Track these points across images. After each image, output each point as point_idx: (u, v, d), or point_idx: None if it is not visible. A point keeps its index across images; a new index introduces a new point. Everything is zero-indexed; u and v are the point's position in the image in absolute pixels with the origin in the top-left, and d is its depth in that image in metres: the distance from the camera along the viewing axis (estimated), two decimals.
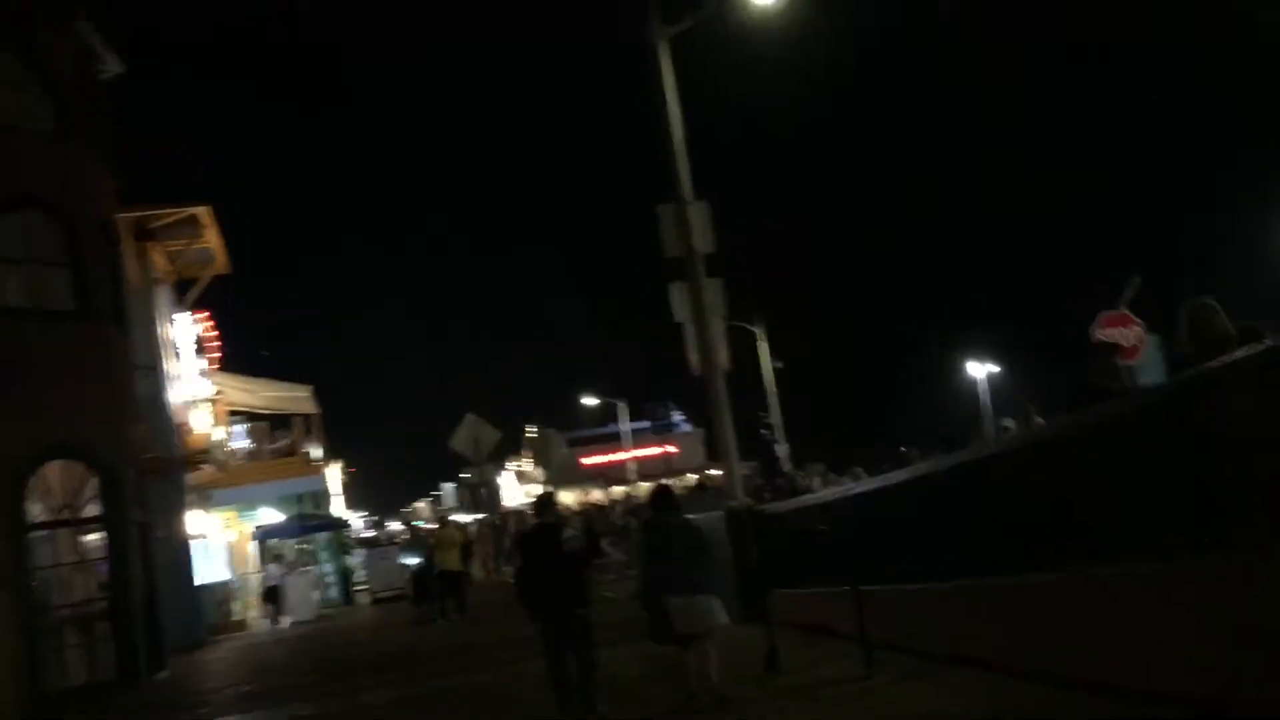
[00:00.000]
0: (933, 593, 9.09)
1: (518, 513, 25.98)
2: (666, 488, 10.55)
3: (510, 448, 63.41)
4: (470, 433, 23.83)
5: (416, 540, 22.77)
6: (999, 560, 8.14)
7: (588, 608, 9.19)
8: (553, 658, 9.11)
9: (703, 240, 14.20)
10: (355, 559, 35.99)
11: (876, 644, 9.16)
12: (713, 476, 28.03)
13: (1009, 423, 13.57)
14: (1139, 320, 18.10)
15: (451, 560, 21.42)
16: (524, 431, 66.26)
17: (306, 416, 35.58)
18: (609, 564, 21.68)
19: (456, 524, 25.82)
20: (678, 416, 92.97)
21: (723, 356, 14.10)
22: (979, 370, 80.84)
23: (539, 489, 74.44)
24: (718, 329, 14.14)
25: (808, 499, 12.20)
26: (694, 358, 14.11)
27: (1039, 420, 9.89)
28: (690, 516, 13.69)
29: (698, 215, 14.24)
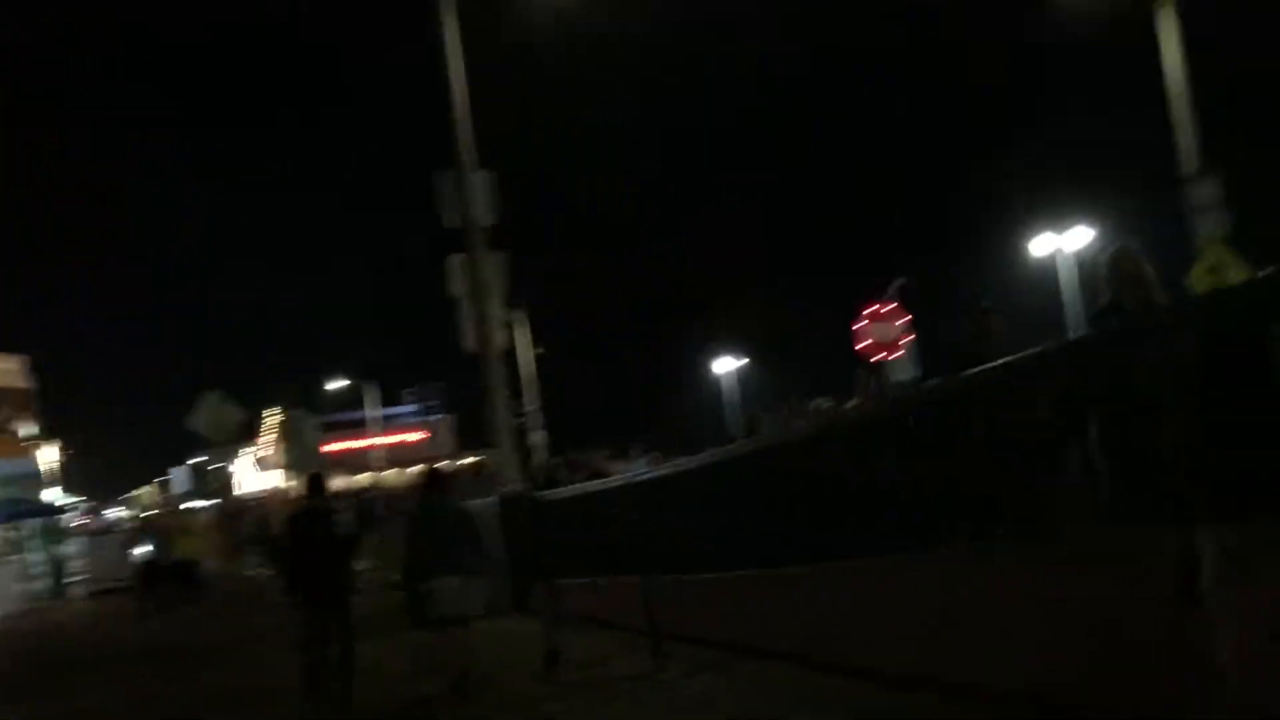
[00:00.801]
0: (720, 582, 8.81)
1: (259, 500, 24.29)
2: (438, 470, 10.30)
3: (246, 432, 60.16)
4: (211, 412, 21.99)
5: (148, 528, 20.82)
6: (788, 550, 8.01)
7: (353, 595, 8.92)
8: (312, 650, 8.70)
9: (484, 211, 13.47)
10: (70, 548, 32.85)
11: (665, 636, 8.77)
12: (484, 460, 27.19)
13: (824, 401, 13.53)
14: (905, 312, 18.69)
15: (186, 549, 19.74)
16: (263, 414, 63.07)
17: (17, 391, 32.23)
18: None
19: (192, 511, 23.95)
20: (424, 404, 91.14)
21: (499, 336, 13.43)
22: (728, 365, 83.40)
23: (277, 475, 71.29)
24: (496, 307, 13.45)
25: (590, 485, 11.73)
26: (470, 335, 13.38)
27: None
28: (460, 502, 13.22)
29: (480, 185, 13.50)
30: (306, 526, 9.10)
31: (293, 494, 31.48)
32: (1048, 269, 41.80)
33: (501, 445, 13.39)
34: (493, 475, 15.95)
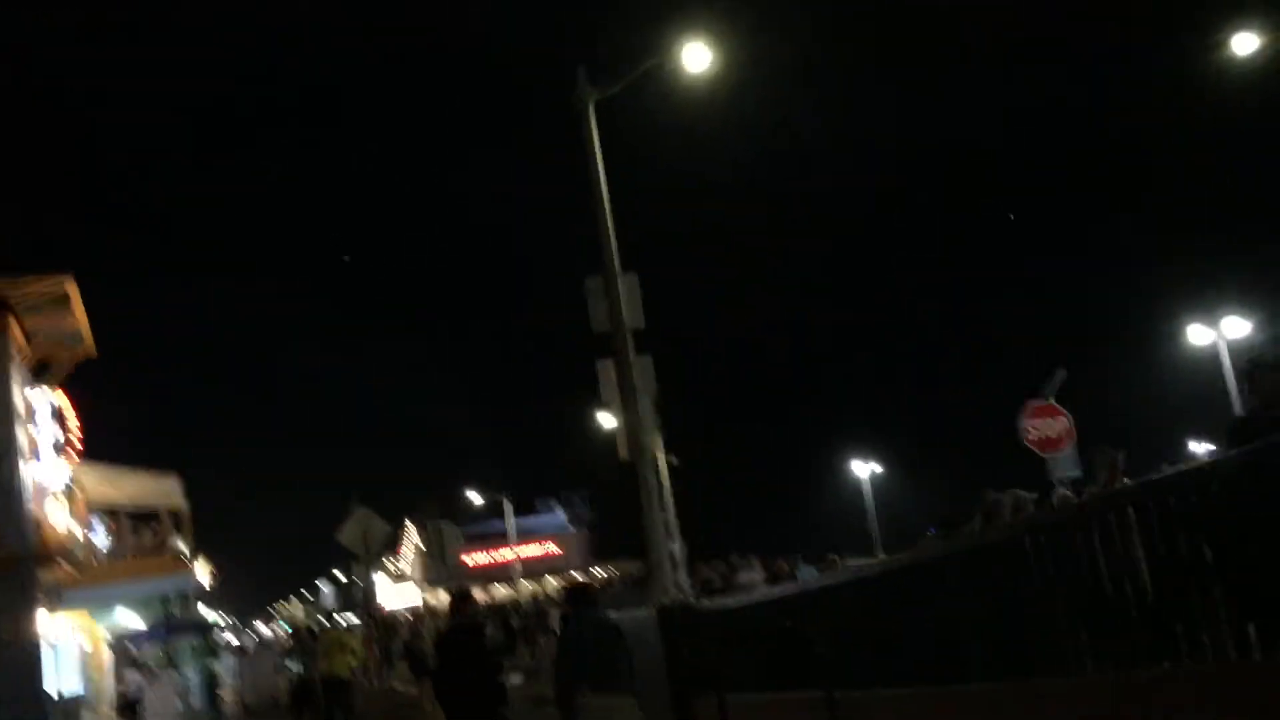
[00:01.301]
0: (934, 696, 8.13)
1: (408, 615, 24.21)
2: (585, 584, 10.24)
3: (390, 545, 61.00)
4: (359, 526, 22.21)
5: (299, 643, 20.84)
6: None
7: (507, 707, 8.93)
8: None
9: (631, 314, 13.29)
10: (223, 663, 33.35)
11: None
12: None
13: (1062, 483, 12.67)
14: (1065, 412, 17.84)
15: (340, 666, 19.60)
16: (402, 528, 63.89)
17: (174, 511, 33.17)
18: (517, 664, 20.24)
19: (344, 627, 23.97)
20: (560, 515, 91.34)
21: (654, 439, 13.09)
22: (863, 470, 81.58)
23: (414, 589, 71.75)
24: (647, 409, 13.14)
25: (758, 593, 11.22)
26: (622, 441, 13.07)
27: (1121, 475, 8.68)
28: (613, 614, 12.87)
29: (626, 287, 13.34)
30: (457, 643, 9.09)
31: (436, 608, 31.54)
32: (1208, 358, 39.97)
33: (659, 556, 12.92)
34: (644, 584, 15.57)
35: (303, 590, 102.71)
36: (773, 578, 11.45)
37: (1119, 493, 6.53)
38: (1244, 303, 39.61)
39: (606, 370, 13.15)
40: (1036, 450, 17.30)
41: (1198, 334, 40.27)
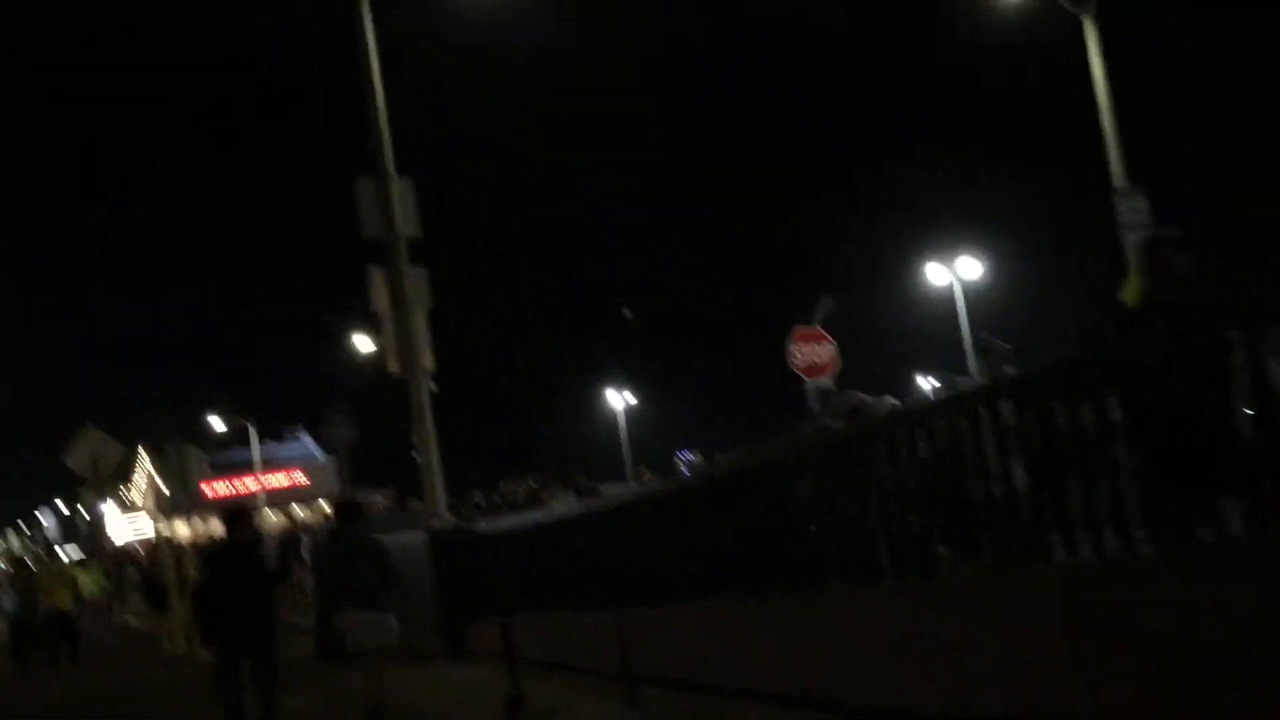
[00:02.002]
0: (704, 614, 7.96)
1: (140, 546, 22.47)
2: (354, 500, 10.12)
3: (122, 471, 57.03)
4: (88, 447, 20.26)
5: (19, 578, 18.91)
6: (783, 575, 7.26)
7: (278, 637, 8.31)
8: (231, 695, 8.06)
9: (406, 221, 12.44)
10: None
11: (638, 679, 7.81)
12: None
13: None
14: (830, 338, 18.23)
15: (61, 599, 17.95)
16: (135, 454, 59.95)
17: None
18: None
19: (67, 561, 22.08)
20: (308, 443, 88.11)
21: (426, 354, 12.37)
22: (618, 400, 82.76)
23: (146, 520, 67.82)
24: (420, 323, 12.40)
25: (532, 517, 10.81)
26: (392, 355, 12.31)
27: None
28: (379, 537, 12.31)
29: (401, 193, 12.47)
30: (229, 563, 8.37)
31: (176, 539, 29.54)
32: (944, 298, 42.35)
33: (429, 475, 12.29)
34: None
35: (19, 522, 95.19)
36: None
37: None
38: (979, 244, 42.13)
39: (377, 279, 12.29)
40: (803, 375, 17.58)
41: (935, 273, 42.57)
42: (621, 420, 77.08)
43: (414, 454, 39.98)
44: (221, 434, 61.29)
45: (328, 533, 9.83)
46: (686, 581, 8.23)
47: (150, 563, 20.56)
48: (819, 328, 18.17)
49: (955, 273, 40.82)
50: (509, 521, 11.07)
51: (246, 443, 67.35)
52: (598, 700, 8.05)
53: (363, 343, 45.30)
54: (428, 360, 12.35)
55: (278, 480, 67.54)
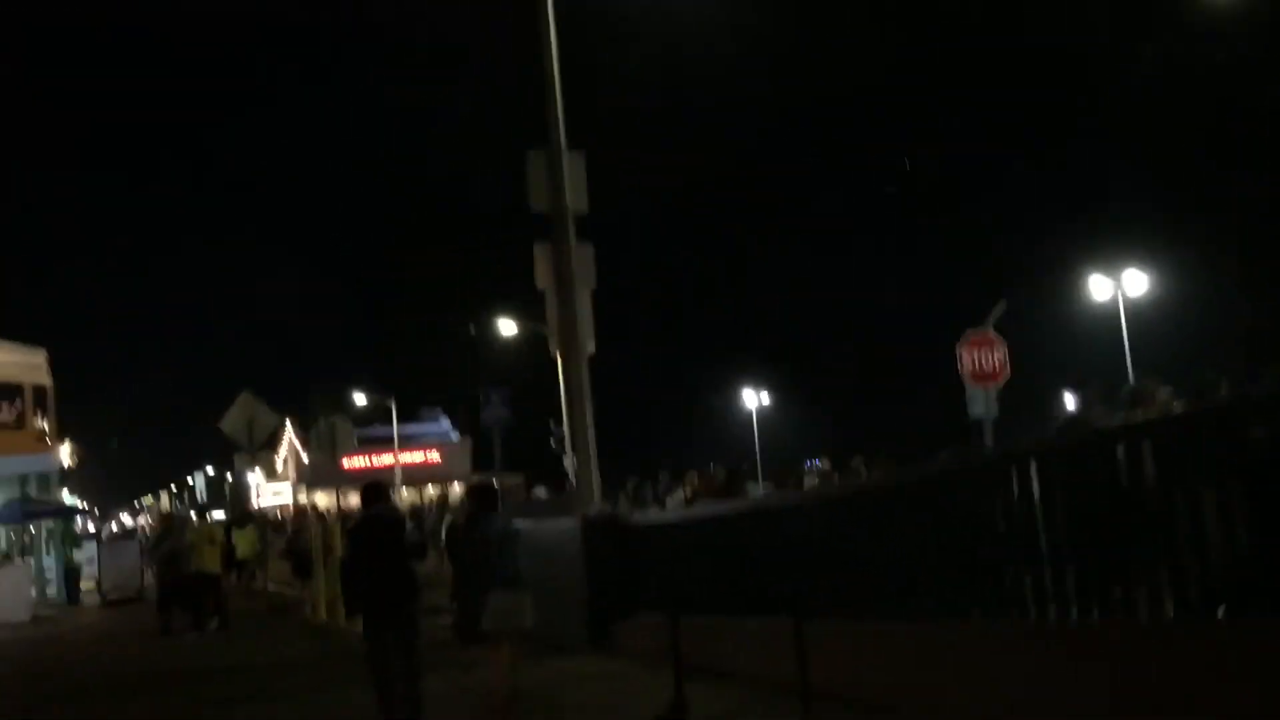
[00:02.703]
0: (879, 629, 7.29)
1: (286, 511, 22.76)
2: (489, 485, 10.21)
3: (272, 440, 58.83)
4: (244, 413, 20.60)
5: (169, 532, 19.23)
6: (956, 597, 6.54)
7: (419, 604, 8.40)
8: (380, 674, 8.11)
9: (576, 197, 12.01)
10: (84, 553, 31.38)
11: (818, 694, 7.16)
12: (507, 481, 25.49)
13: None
14: (1003, 343, 17.19)
15: (210, 561, 18.16)
16: (282, 425, 61.72)
17: (38, 387, 30.81)
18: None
19: (215, 521, 22.51)
20: (445, 423, 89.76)
21: (589, 335, 11.92)
22: (752, 400, 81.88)
23: (288, 490, 69.57)
24: (585, 302, 11.96)
25: (708, 508, 10.27)
26: (554, 334, 11.90)
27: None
28: (524, 523, 12.12)
29: (572, 168, 12.05)
30: (372, 536, 8.43)
31: (313, 508, 30.11)
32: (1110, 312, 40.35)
33: (585, 462, 11.83)
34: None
35: (172, 486, 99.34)
36: (724, 490, 10.47)
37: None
38: (1145, 258, 40.03)
39: (544, 255, 11.89)
40: (971, 383, 16.62)
41: (1099, 286, 40.71)
42: (754, 420, 76.29)
43: (551, 441, 39.66)
44: (361, 408, 62.77)
45: (466, 514, 9.55)
46: (870, 594, 7.57)
47: (296, 530, 20.67)
48: (992, 332, 17.18)
49: (1120, 287, 39.01)
50: (668, 514, 10.55)
51: (386, 419, 68.90)
52: (764, 712, 7.42)
53: (507, 327, 45.71)
54: (589, 342, 11.90)
55: (413, 458, 69.00)
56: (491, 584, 8.73)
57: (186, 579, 18.09)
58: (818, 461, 25.28)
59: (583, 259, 11.96)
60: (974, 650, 6.57)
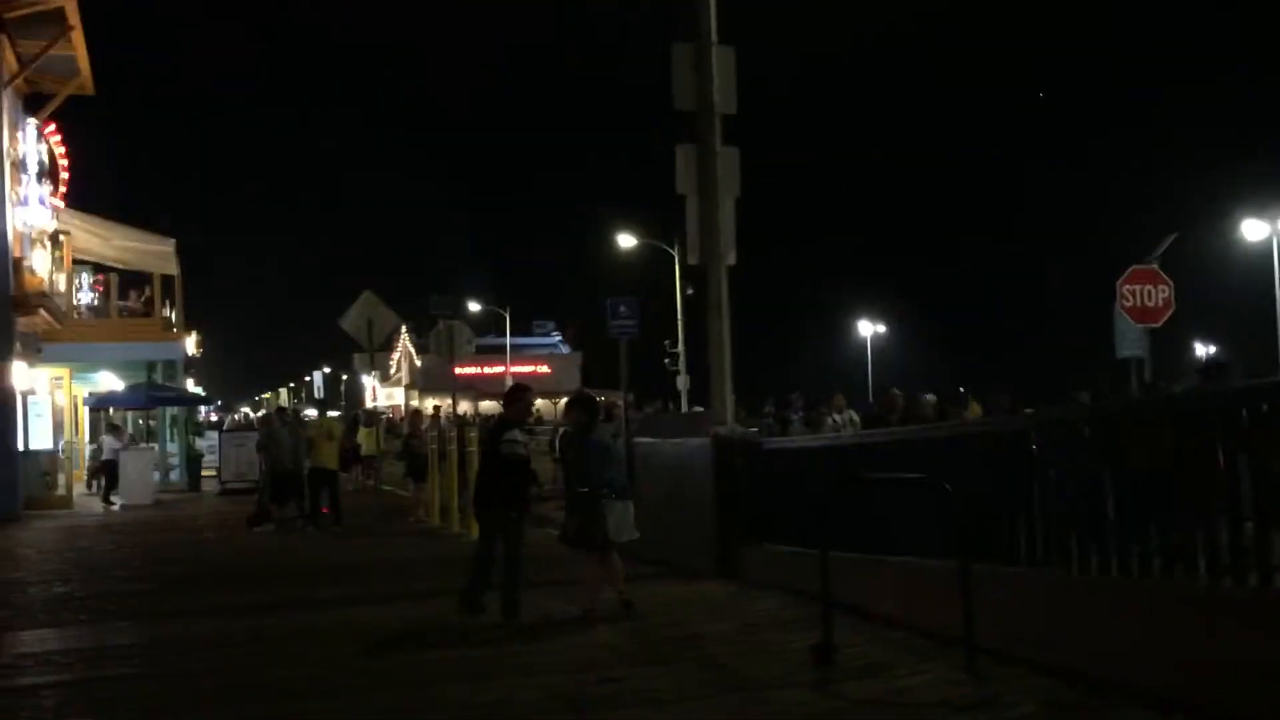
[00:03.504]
0: (1052, 580, 6.55)
1: (416, 415, 22.73)
2: (588, 395, 10.33)
3: (388, 343, 59.71)
4: (364, 312, 20.44)
5: (286, 425, 19.29)
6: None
7: (518, 512, 8.88)
8: (485, 550, 9.00)
9: (724, 96, 11.20)
10: (206, 442, 32.12)
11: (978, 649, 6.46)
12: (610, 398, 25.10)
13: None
14: (1169, 281, 15.96)
15: (328, 457, 18.11)
16: (396, 331, 62.57)
17: (166, 277, 31.34)
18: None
19: (334, 417, 22.60)
20: (555, 336, 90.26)
21: (731, 245, 11.19)
22: (867, 329, 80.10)
23: (400, 394, 70.81)
24: (729, 209, 11.21)
25: (847, 435, 9.59)
26: (694, 241, 11.19)
27: None
28: (647, 440, 11.91)
29: (722, 63, 11.22)
30: (488, 437, 9.17)
31: (436, 409, 30.18)
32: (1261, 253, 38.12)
33: (720, 377, 11.18)
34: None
35: (291, 385, 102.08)
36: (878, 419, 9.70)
37: None
38: None
39: (686, 157, 11.14)
40: (1131, 319, 15.46)
41: (1252, 229, 38.52)
42: (869, 349, 74.78)
43: (666, 361, 39.17)
44: (475, 314, 63.26)
45: (577, 426, 9.47)
46: (1038, 541, 6.82)
47: (411, 434, 20.54)
48: (1157, 267, 15.94)
49: (1277, 228, 36.86)
50: (811, 439, 9.89)
51: (499, 330, 69.34)
52: (920, 662, 6.76)
53: (625, 241, 45.11)
54: (731, 252, 11.17)
55: (523, 369, 69.56)
56: (616, 493, 8.89)
57: (304, 474, 18.09)
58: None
59: (728, 163, 11.19)
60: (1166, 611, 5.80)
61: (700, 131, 11.16)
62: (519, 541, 8.83)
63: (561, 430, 18.29)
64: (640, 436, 13.20)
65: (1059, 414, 7.63)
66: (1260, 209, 38.12)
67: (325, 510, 17.78)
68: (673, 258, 40.79)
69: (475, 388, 65.06)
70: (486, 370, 69.05)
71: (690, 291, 41.02)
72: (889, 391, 10.99)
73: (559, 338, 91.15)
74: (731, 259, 11.16)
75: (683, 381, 40.78)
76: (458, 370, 23.68)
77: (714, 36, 11.23)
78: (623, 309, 16.89)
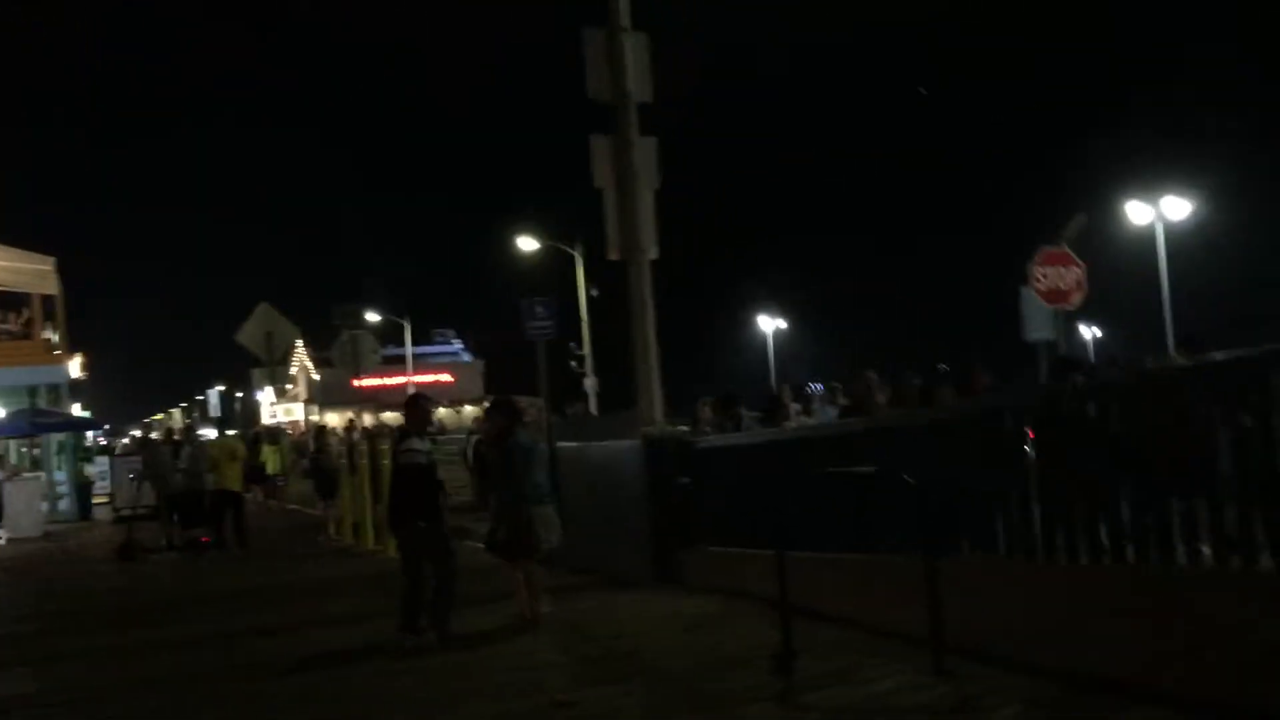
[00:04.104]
0: (1021, 569, 6.30)
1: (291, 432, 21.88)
2: (509, 400, 10.21)
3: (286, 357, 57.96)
4: (262, 325, 19.56)
5: (188, 444, 18.29)
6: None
7: (434, 521, 8.52)
8: (411, 570, 8.55)
9: (639, 84, 10.80)
10: (96, 468, 30.60)
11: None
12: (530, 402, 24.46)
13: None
14: (1080, 262, 16.06)
15: (233, 479, 17.25)
16: (292, 345, 60.91)
17: (46, 296, 29.79)
18: None
19: (235, 436, 21.61)
20: (456, 344, 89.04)
21: (651, 238, 10.80)
22: (768, 325, 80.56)
23: (299, 408, 68.96)
24: (647, 201, 10.82)
25: (791, 432, 9.25)
26: (613, 236, 10.77)
27: None
28: (571, 444, 11.51)
29: (636, 50, 10.82)
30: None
31: (350, 422, 29.28)
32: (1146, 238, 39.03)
33: (646, 376, 10.78)
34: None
35: (184, 404, 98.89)
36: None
37: None
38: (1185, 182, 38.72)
39: (602, 149, 10.71)
40: (1044, 302, 15.51)
41: (1136, 211, 39.31)
42: (770, 344, 75.19)
43: (572, 364, 38.59)
44: (374, 325, 61.82)
45: (498, 431, 9.38)
46: (1004, 528, 6.56)
47: (318, 449, 19.73)
48: (1067, 248, 16.01)
49: (1160, 211, 37.61)
50: (747, 436, 9.56)
51: (399, 341, 67.95)
52: (885, 664, 6.43)
53: (526, 244, 44.45)
54: (652, 246, 10.77)
55: (425, 378, 68.32)
56: (533, 500, 8.78)
57: (207, 496, 17.20)
58: (819, 386, 24.17)
59: (645, 154, 10.79)
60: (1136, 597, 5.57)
61: (617, 122, 10.75)
62: (446, 557, 8.49)
63: (475, 438, 17.73)
64: (561, 440, 12.69)
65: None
66: (1145, 191, 39.04)
67: (222, 534, 16.88)
68: (574, 258, 40.30)
69: (378, 399, 63.77)
70: (389, 381, 67.72)
71: (595, 292, 40.53)
72: (862, 374, 10.68)
73: (460, 345, 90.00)
74: (654, 253, 10.77)
75: (591, 383, 40.29)
76: (360, 383, 22.87)
77: (626, 22, 10.81)
78: (539, 309, 16.44)
